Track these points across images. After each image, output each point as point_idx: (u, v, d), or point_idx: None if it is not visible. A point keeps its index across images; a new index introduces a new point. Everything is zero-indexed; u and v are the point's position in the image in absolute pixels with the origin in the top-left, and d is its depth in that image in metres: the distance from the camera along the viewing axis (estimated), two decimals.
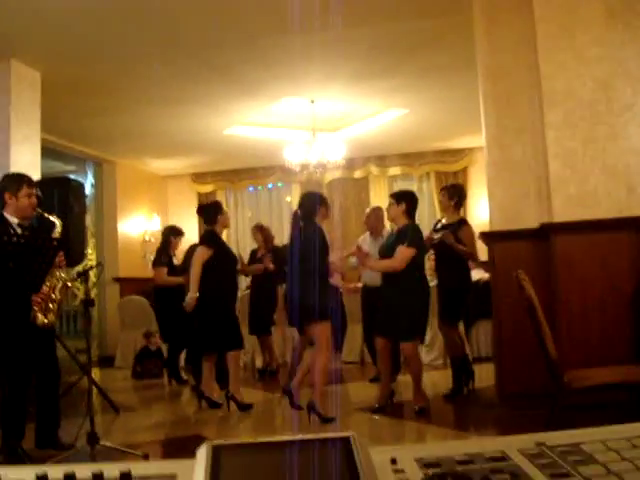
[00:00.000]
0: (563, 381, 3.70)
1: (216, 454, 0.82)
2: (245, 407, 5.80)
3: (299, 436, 0.85)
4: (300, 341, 5.49)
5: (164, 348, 9.04)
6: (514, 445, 0.90)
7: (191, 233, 12.46)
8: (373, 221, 7.20)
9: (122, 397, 6.74)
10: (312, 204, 5.34)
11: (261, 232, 7.91)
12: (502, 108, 5.51)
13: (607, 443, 0.90)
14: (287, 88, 8.13)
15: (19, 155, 6.70)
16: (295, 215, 5.50)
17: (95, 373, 8.34)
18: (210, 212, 6.16)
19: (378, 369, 6.92)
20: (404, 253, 5.36)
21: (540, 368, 3.99)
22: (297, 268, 5.04)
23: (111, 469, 0.81)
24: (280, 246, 7.83)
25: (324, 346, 5.16)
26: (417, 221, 5.82)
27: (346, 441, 0.84)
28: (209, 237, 6.12)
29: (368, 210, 7.53)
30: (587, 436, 0.93)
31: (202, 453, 0.83)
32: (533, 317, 3.81)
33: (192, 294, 5.84)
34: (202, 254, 5.91)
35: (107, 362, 10.08)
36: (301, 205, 5.46)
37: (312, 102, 8.66)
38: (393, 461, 0.84)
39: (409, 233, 5.46)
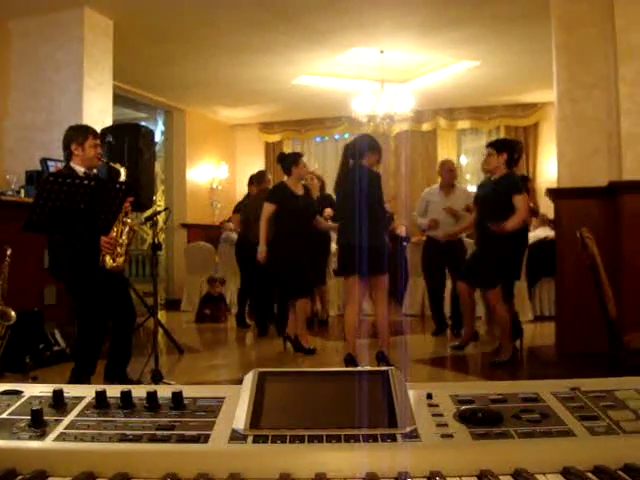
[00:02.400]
0: (622, 341, 3.66)
1: (261, 380, 0.88)
2: (309, 351, 5.99)
3: (340, 368, 0.90)
4: (359, 291, 5.43)
5: (228, 293, 9.27)
6: (549, 388, 0.93)
7: None
8: (446, 175, 7.05)
9: (187, 339, 6.95)
10: (361, 145, 5.26)
11: (318, 179, 7.87)
12: (574, 61, 5.37)
13: None
14: (356, 38, 8.05)
15: (91, 101, 6.86)
16: (346, 151, 5.41)
17: (161, 316, 8.59)
18: (286, 163, 6.24)
19: (435, 322, 6.96)
20: (523, 201, 5.31)
21: (601, 329, 3.94)
22: (357, 213, 4.93)
23: (165, 390, 0.88)
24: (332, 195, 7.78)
25: (386, 297, 5.21)
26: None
27: (384, 374, 0.88)
28: (273, 192, 6.30)
29: (440, 163, 7.35)
30: (622, 384, 0.95)
31: (248, 379, 0.89)
32: (595, 276, 3.76)
33: (261, 248, 6.10)
34: (266, 210, 6.12)
35: (173, 305, 10.37)
36: (352, 145, 5.37)
37: (381, 52, 8.56)
38: (429, 396, 0.89)
39: (515, 180, 5.41)
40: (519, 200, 5.28)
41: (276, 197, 6.16)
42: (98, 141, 4.49)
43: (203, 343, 7.40)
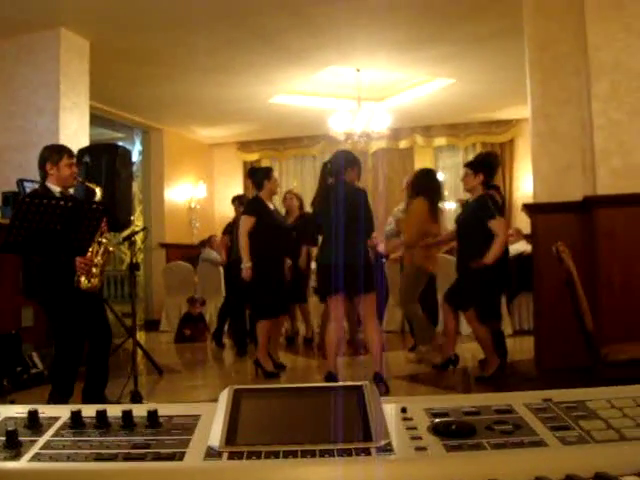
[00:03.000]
0: (600, 354, 3.69)
1: (236, 397, 0.88)
2: (270, 375, 5.83)
3: (315, 384, 0.91)
4: (343, 309, 5.38)
5: (207, 314, 9.25)
6: (521, 400, 0.94)
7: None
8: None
9: (166, 359, 6.91)
10: (340, 161, 5.23)
11: (297, 198, 7.83)
12: (548, 78, 5.45)
13: (612, 401, 0.94)
14: (333, 56, 8.12)
15: (68, 122, 6.85)
16: (324, 169, 5.38)
17: (140, 336, 8.55)
18: (258, 177, 6.20)
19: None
20: (501, 226, 5.34)
21: (579, 342, 3.97)
22: (338, 229, 4.94)
23: (140, 409, 0.88)
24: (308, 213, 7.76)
25: (376, 315, 5.18)
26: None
27: (359, 389, 0.89)
28: (250, 205, 6.16)
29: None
30: (594, 394, 0.97)
31: (224, 396, 0.90)
32: (572, 290, 3.79)
33: (245, 264, 5.86)
34: (245, 223, 5.93)
35: (152, 326, 10.32)
36: (332, 161, 5.33)
37: (358, 71, 8.63)
38: (403, 410, 0.90)
39: (489, 205, 5.36)
40: (495, 225, 5.29)
41: (253, 210, 6.01)
42: (74, 160, 4.50)
43: (183, 363, 7.36)
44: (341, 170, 5.20)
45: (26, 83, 6.83)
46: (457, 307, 5.60)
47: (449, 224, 7.10)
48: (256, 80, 8.88)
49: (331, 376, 5.05)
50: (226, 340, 8.07)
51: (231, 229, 7.94)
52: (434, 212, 6.18)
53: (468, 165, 5.69)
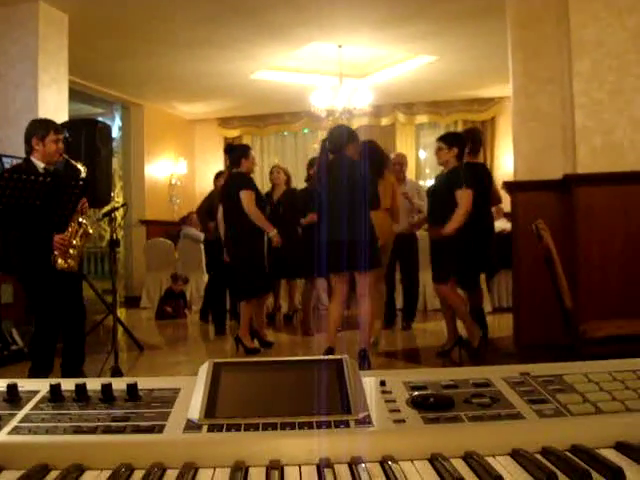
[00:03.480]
0: (578, 331, 3.73)
1: (216, 370, 0.88)
2: (252, 351, 5.85)
3: (294, 358, 0.91)
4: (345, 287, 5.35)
5: (188, 291, 9.23)
6: (499, 374, 0.95)
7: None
8: (395, 168, 7.15)
9: (147, 336, 6.91)
10: (341, 136, 5.19)
11: (285, 173, 7.68)
12: (530, 56, 5.45)
13: (589, 375, 0.95)
14: (315, 32, 8.06)
15: (47, 97, 6.76)
16: (323, 146, 5.33)
17: (121, 313, 8.53)
18: (236, 154, 6.14)
19: (385, 314, 6.96)
20: (466, 196, 5.24)
21: (558, 320, 4.02)
22: (339, 205, 4.91)
23: (119, 382, 0.88)
24: (297, 189, 7.71)
25: (370, 295, 5.17)
26: None
27: (338, 363, 0.90)
28: (245, 180, 6.01)
29: (393, 156, 7.36)
30: (571, 369, 0.98)
31: (203, 369, 0.90)
32: (551, 267, 3.83)
33: (272, 232, 5.92)
34: (249, 198, 5.83)
35: (133, 302, 10.30)
36: (329, 138, 5.28)
37: (339, 47, 8.59)
38: (382, 383, 0.90)
39: (461, 174, 5.33)
40: (460, 195, 5.25)
41: (252, 184, 5.96)
42: (60, 136, 4.41)
43: (164, 340, 7.36)
44: (343, 145, 5.14)
45: (4, 58, 6.72)
46: (433, 279, 5.59)
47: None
48: (238, 55, 8.81)
49: (331, 351, 5.07)
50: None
51: (210, 207, 7.84)
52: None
53: (441, 139, 5.67)
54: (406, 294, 7.32)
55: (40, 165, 4.28)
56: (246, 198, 5.82)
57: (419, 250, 7.24)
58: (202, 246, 8.90)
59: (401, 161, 7.31)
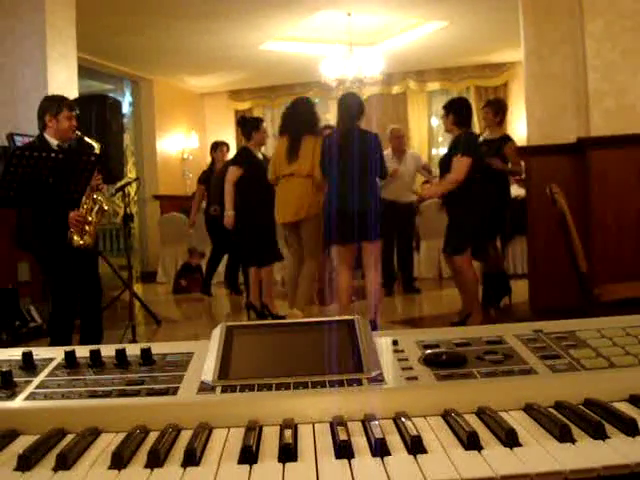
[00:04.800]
0: (593, 294, 3.72)
1: (229, 333, 0.89)
2: (261, 315, 5.99)
3: (306, 319, 0.91)
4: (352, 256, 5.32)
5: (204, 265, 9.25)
6: (512, 331, 0.95)
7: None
8: (394, 141, 7.34)
9: (164, 310, 6.94)
10: (354, 106, 5.10)
11: None
12: (541, 19, 5.36)
13: (602, 331, 0.95)
14: (323, 1, 7.98)
15: (56, 73, 6.73)
16: (347, 113, 5.16)
17: (137, 288, 8.58)
18: (247, 127, 6.20)
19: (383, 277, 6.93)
20: (460, 164, 5.11)
21: (573, 283, 3.99)
22: (350, 175, 4.81)
23: (133, 348, 0.89)
24: None
25: (378, 265, 5.17)
26: None
27: (350, 323, 0.90)
28: (239, 156, 6.21)
29: (388, 131, 7.54)
30: (584, 325, 0.98)
31: (216, 333, 0.90)
32: (565, 231, 3.80)
33: (227, 212, 6.03)
34: (232, 174, 6.02)
35: (149, 277, 10.34)
36: (345, 104, 5.17)
37: (349, 15, 8.49)
38: (395, 342, 0.90)
39: (461, 141, 5.23)
40: (455, 161, 5.17)
41: (242, 161, 6.06)
42: (74, 113, 4.36)
43: (181, 313, 7.41)
44: (356, 115, 5.09)
45: (11, 35, 6.68)
46: (446, 251, 5.53)
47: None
48: (246, 26, 8.74)
49: None
50: (221, 290, 8.13)
51: (207, 177, 7.87)
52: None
53: (443, 106, 5.65)
54: (403, 262, 7.58)
55: (54, 142, 4.25)
56: (229, 173, 6.05)
57: (423, 219, 7.67)
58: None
59: (398, 134, 7.48)
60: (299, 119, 5.46)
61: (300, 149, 5.31)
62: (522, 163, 5.79)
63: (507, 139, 5.99)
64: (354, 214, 4.81)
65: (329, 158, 5.13)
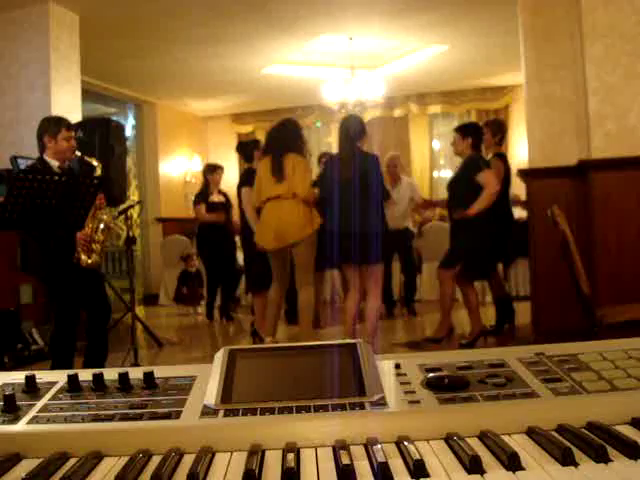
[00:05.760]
0: (595, 317, 3.71)
1: (231, 357, 0.89)
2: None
3: (308, 343, 0.92)
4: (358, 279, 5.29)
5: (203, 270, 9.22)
6: (514, 355, 0.95)
7: (231, 173, 12.55)
8: (392, 168, 7.41)
9: (165, 333, 6.94)
10: (356, 127, 5.11)
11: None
12: (542, 43, 5.41)
13: (604, 354, 0.95)
14: (324, 25, 8.04)
15: (60, 97, 6.79)
16: (341, 132, 5.17)
17: (139, 310, 8.57)
18: (247, 149, 6.21)
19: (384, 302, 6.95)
20: (488, 177, 5.32)
21: (576, 306, 3.99)
22: (351, 197, 4.80)
23: (136, 371, 0.89)
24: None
25: (379, 287, 5.17)
26: None
27: (353, 347, 0.90)
28: (247, 176, 6.10)
29: (386, 158, 7.52)
30: (586, 348, 0.98)
31: (219, 357, 0.91)
32: (567, 253, 3.81)
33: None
34: (248, 195, 5.73)
35: (151, 300, 10.34)
36: (347, 125, 5.16)
37: (350, 39, 8.56)
38: (397, 366, 0.90)
39: (480, 160, 5.45)
40: (483, 177, 5.33)
41: (252, 180, 5.98)
42: (72, 133, 4.39)
43: (182, 336, 7.39)
44: (357, 136, 5.10)
45: (16, 59, 6.75)
46: (440, 264, 5.65)
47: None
48: (248, 50, 8.81)
49: None
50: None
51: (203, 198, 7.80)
52: None
53: (457, 130, 5.79)
54: (406, 284, 7.79)
55: (54, 164, 4.27)
56: (245, 196, 5.82)
57: (425, 242, 7.88)
58: None
59: (394, 162, 7.54)
60: (283, 138, 5.29)
61: (284, 168, 5.12)
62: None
63: (494, 156, 5.96)
64: (356, 236, 4.81)
65: (330, 180, 5.12)
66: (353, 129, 5.12)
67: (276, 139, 5.31)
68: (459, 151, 5.67)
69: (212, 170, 7.96)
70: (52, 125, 4.34)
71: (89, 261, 4.23)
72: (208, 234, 7.63)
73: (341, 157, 5.12)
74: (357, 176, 4.89)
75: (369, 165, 5.00)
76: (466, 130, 5.69)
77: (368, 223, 4.86)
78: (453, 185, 5.72)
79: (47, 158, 4.30)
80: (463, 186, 5.47)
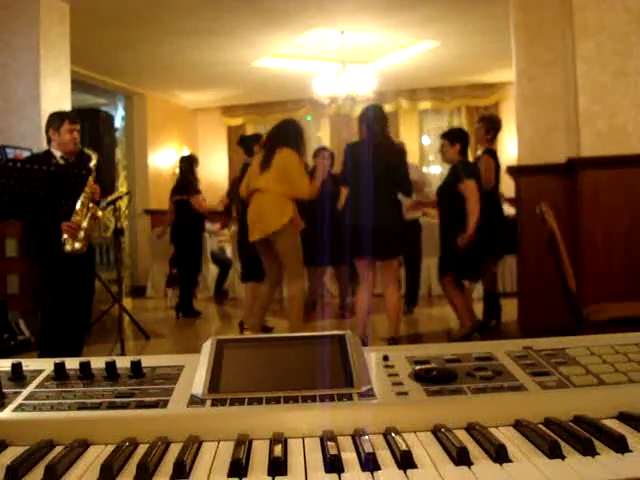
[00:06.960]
0: (582, 314, 3.73)
1: (219, 347, 0.89)
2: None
3: (297, 334, 0.91)
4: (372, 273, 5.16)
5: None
6: (502, 348, 0.95)
7: (221, 166, 12.54)
8: None
9: (153, 325, 6.92)
10: (381, 115, 5.11)
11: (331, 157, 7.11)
12: (533, 40, 5.43)
13: (591, 349, 0.95)
14: (316, 19, 8.02)
15: (49, 88, 6.75)
16: (362, 120, 5.15)
17: (127, 302, 8.54)
18: (248, 144, 6.22)
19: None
20: (468, 188, 5.26)
21: (563, 303, 4.01)
22: (373, 189, 4.69)
23: (123, 360, 0.88)
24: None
25: (395, 281, 5.15)
26: None
27: (341, 338, 0.90)
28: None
29: None
30: (573, 342, 0.98)
31: (207, 346, 0.90)
32: (555, 250, 3.82)
33: None
34: None
35: (139, 292, 10.31)
36: (372, 114, 5.11)
37: (342, 33, 8.54)
38: (385, 358, 0.91)
39: (460, 168, 5.37)
40: (464, 188, 5.28)
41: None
42: (75, 126, 4.56)
43: (169, 328, 7.37)
44: (382, 126, 5.09)
45: (5, 49, 6.69)
46: (439, 271, 5.68)
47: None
48: (240, 43, 8.78)
49: (363, 343, 4.99)
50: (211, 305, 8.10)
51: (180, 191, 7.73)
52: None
53: (444, 136, 5.72)
54: (409, 281, 7.41)
55: (58, 154, 4.43)
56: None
57: (422, 237, 7.31)
58: (207, 235, 8.97)
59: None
60: (282, 134, 5.27)
61: (274, 159, 5.06)
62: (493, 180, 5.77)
63: (484, 153, 5.94)
64: (372, 229, 4.65)
65: (353, 168, 5.02)
66: (383, 120, 5.14)
67: (275, 135, 5.33)
68: (449, 158, 5.60)
69: (197, 162, 7.91)
70: (57, 118, 4.55)
71: (75, 246, 4.24)
72: (188, 228, 7.57)
73: (375, 146, 4.95)
74: (383, 168, 4.81)
75: (396, 157, 5.03)
76: (454, 136, 5.64)
77: (386, 217, 4.81)
78: (441, 193, 5.75)
79: (52, 150, 4.48)
80: (449, 196, 5.47)
